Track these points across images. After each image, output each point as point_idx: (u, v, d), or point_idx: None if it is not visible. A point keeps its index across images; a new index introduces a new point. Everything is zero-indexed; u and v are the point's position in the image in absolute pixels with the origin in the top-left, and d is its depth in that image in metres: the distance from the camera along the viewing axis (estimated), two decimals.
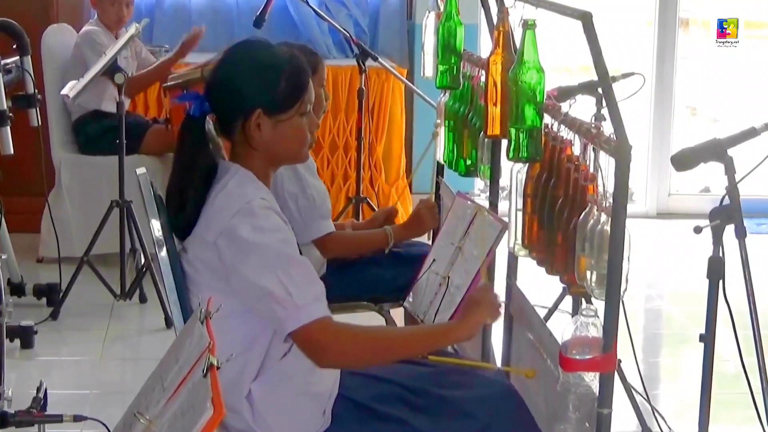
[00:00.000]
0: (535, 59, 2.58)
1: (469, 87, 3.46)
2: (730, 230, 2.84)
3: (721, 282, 2.86)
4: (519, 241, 2.89)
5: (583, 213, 2.48)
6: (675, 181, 6.96)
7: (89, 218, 5.22)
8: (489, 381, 2.74)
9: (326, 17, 5.50)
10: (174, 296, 2.52)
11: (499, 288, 3.27)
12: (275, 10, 5.92)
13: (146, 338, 4.85)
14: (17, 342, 4.50)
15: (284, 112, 2.53)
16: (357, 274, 3.62)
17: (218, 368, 1.63)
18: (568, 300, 4.07)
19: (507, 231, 2.95)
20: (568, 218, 2.60)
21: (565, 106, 2.73)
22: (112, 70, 4.89)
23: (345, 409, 2.58)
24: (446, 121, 3.60)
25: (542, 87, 2.59)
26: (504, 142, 2.85)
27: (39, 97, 4.76)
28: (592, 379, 2.46)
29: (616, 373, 2.48)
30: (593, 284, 2.47)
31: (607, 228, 2.39)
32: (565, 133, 2.68)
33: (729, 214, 2.82)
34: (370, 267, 3.62)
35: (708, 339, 2.89)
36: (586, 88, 3.70)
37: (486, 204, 3.29)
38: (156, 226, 2.56)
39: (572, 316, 3.44)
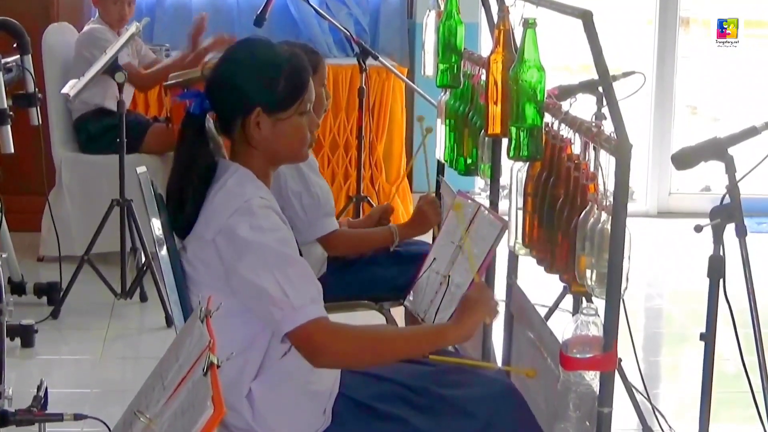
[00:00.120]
0: (536, 58, 2.58)
1: (469, 86, 3.46)
2: (730, 229, 2.84)
3: (721, 281, 2.86)
4: (519, 239, 2.89)
5: (584, 212, 2.49)
6: (675, 180, 6.96)
7: (90, 217, 5.22)
8: (489, 380, 2.73)
9: (327, 16, 5.50)
10: (174, 295, 2.52)
11: (500, 287, 3.27)
12: (276, 9, 5.93)
13: (147, 337, 4.85)
14: (18, 341, 4.50)
15: (284, 110, 2.53)
16: (357, 272, 3.62)
17: (218, 367, 1.63)
18: (568, 299, 4.08)
19: (507, 230, 2.95)
20: (568, 217, 2.60)
21: (565, 105, 2.73)
22: (113, 68, 4.90)
23: (345, 408, 2.58)
24: (447, 120, 3.60)
25: (543, 86, 2.59)
26: (504, 141, 2.86)
27: (39, 96, 4.76)
28: (592, 378, 2.46)
29: (616, 372, 2.48)
30: (594, 283, 2.47)
31: (608, 227, 2.39)
32: (566, 132, 2.68)
33: (729, 213, 2.82)
34: (370, 266, 3.63)
35: (708, 338, 2.89)
36: (587, 86, 3.70)
37: (486, 203, 3.29)
38: (156, 224, 2.56)
39: (573, 315, 3.45)
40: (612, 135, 2.41)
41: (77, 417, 3.42)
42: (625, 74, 3.83)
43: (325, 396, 2.56)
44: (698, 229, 2.83)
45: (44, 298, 5.03)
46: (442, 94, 3.67)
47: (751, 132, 2.95)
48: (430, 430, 2.56)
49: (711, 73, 7.56)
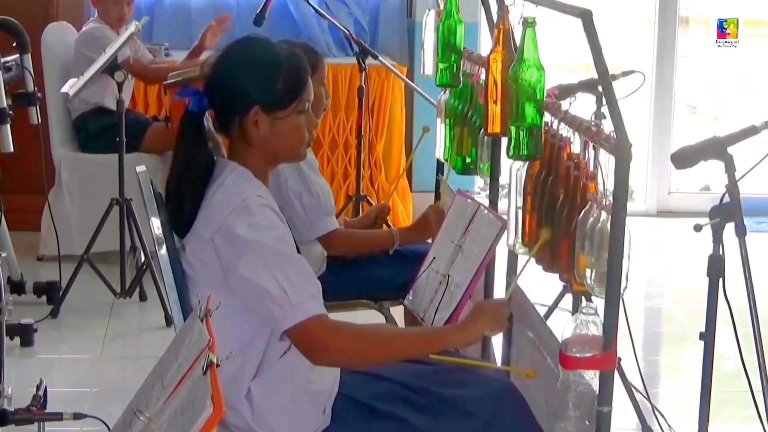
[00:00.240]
0: (535, 57, 2.58)
1: (469, 85, 3.45)
2: (730, 228, 2.84)
3: (721, 280, 2.86)
4: (519, 239, 2.89)
5: (583, 211, 2.48)
6: (675, 179, 6.96)
7: (89, 216, 5.22)
8: (489, 379, 2.73)
9: (326, 15, 5.50)
10: (174, 294, 2.52)
11: (499, 286, 3.27)
12: (275, 9, 5.92)
13: (146, 336, 4.85)
14: (17, 340, 4.50)
15: (282, 109, 2.53)
16: (357, 271, 3.62)
17: (218, 366, 1.63)
18: (568, 298, 4.07)
19: (507, 229, 2.94)
20: (568, 216, 2.60)
21: (565, 104, 2.73)
22: (112, 67, 4.90)
23: (345, 407, 2.57)
24: (446, 120, 3.60)
25: (542, 85, 2.59)
26: (504, 140, 2.85)
27: (39, 95, 4.75)
28: (592, 377, 2.46)
29: (616, 372, 2.47)
30: (593, 282, 2.47)
31: (607, 226, 2.39)
32: (565, 131, 2.68)
33: (729, 212, 2.82)
34: (370, 265, 3.63)
35: (708, 337, 2.89)
36: (586, 86, 3.70)
37: (486, 202, 3.29)
38: (156, 223, 2.56)
39: (572, 314, 3.44)
40: (611, 134, 2.41)
41: (77, 416, 3.41)
42: (625, 73, 3.83)
43: (324, 395, 2.56)
44: (698, 228, 2.83)
45: (44, 298, 5.03)
46: (442, 93, 3.67)
47: (751, 131, 2.95)
48: (430, 430, 2.56)
49: (710, 73, 7.55)
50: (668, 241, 6.41)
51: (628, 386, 3.60)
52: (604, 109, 2.63)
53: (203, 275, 2.50)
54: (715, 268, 2.85)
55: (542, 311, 4.02)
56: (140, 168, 2.69)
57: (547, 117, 2.72)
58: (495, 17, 2.90)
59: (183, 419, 1.59)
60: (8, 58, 4.69)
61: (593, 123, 2.56)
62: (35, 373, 4.08)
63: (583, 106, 3.06)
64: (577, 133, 2.61)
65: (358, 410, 2.58)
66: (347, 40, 6.14)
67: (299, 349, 2.42)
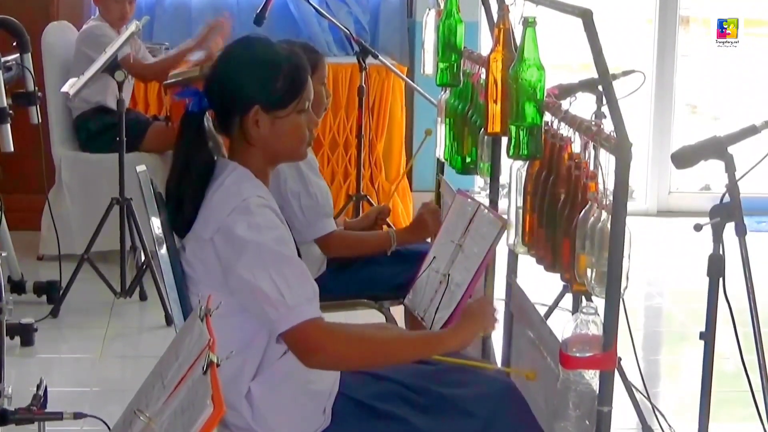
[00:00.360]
0: (536, 57, 2.58)
1: (469, 84, 3.45)
2: (730, 228, 2.84)
3: (721, 280, 2.86)
4: (519, 238, 2.89)
5: (584, 211, 2.48)
6: (675, 178, 6.96)
7: (89, 216, 5.22)
8: (489, 379, 2.73)
9: (327, 15, 5.50)
10: (174, 294, 2.52)
11: (500, 286, 3.27)
12: (276, 8, 5.92)
13: (146, 336, 4.85)
14: (17, 339, 4.50)
15: (282, 108, 2.53)
16: (357, 271, 3.62)
17: (218, 365, 1.63)
18: (568, 298, 4.08)
19: (507, 229, 2.94)
20: (568, 216, 2.60)
21: (565, 104, 2.73)
22: (112, 66, 4.90)
23: (345, 407, 2.57)
24: (446, 119, 3.60)
25: (542, 84, 2.59)
26: (504, 140, 2.85)
27: (39, 94, 4.76)
28: (592, 376, 2.46)
29: (616, 371, 2.47)
30: (593, 282, 2.47)
31: (608, 226, 2.39)
32: (566, 130, 2.68)
33: (729, 211, 2.82)
34: (370, 264, 3.62)
35: (708, 337, 2.89)
36: (587, 85, 3.71)
37: (486, 202, 3.29)
38: (156, 223, 2.56)
39: (572, 314, 3.44)
40: (612, 134, 2.41)
41: (77, 416, 3.41)
42: (625, 73, 3.83)
43: (324, 395, 2.56)
44: (698, 228, 2.83)
45: (44, 297, 5.03)
46: (442, 92, 3.67)
47: (751, 131, 2.95)
48: (430, 430, 2.55)
49: (711, 72, 7.55)
50: (668, 240, 6.41)
51: (629, 386, 3.60)
52: (605, 109, 2.63)
53: (203, 275, 2.50)
54: (716, 267, 2.85)
55: (542, 311, 4.02)
56: (140, 167, 2.69)
57: (548, 117, 2.72)
58: (495, 17, 2.91)
59: (183, 419, 1.59)
60: (8, 58, 4.69)
61: (593, 122, 2.56)
62: (35, 372, 4.08)
63: (583, 105, 3.06)
64: (577, 133, 2.61)
65: (359, 410, 2.57)
66: (347, 39, 6.14)
67: (293, 352, 2.41)
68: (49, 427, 3.46)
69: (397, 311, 3.66)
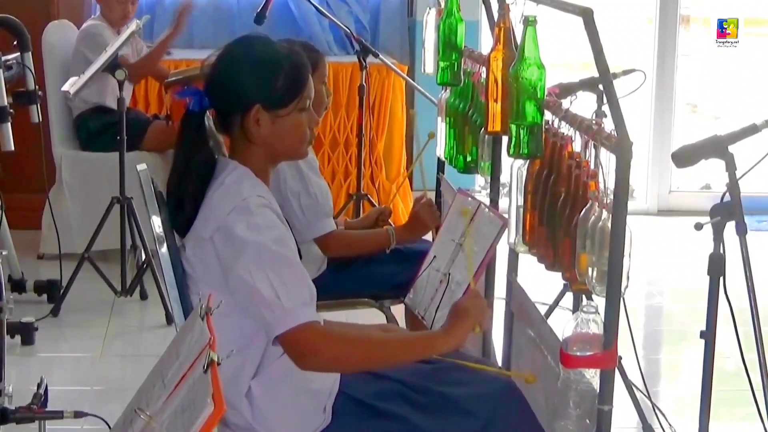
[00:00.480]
0: (536, 56, 2.57)
1: (469, 84, 3.45)
2: (730, 227, 2.84)
3: (721, 279, 2.86)
4: (520, 237, 2.89)
5: (584, 210, 2.48)
6: (676, 177, 6.96)
7: (90, 215, 5.22)
8: (490, 378, 2.73)
9: (327, 14, 5.50)
10: (175, 293, 2.52)
11: (500, 285, 3.27)
12: (276, 7, 5.93)
13: (147, 335, 4.85)
14: (18, 338, 4.50)
15: (283, 107, 2.53)
16: (358, 270, 3.61)
17: (218, 364, 1.63)
18: (568, 297, 4.08)
19: (507, 227, 2.94)
20: (569, 215, 2.60)
21: (565, 103, 2.73)
22: (113, 66, 4.90)
23: (345, 406, 2.57)
24: (447, 118, 3.60)
25: (543, 83, 2.59)
26: (505, 139, 2.85)
27: (40, 93, 4.76)
28: (592, 375, 2.46)
29: (616, 370, 2.47)
30: (594, 281, 2.47)
31: (608, 225, 2.39)
32: (566, 129, 2.68)
33: (730, 211, 2.82)
34: (370, 264, 3.62)
35: (708, 336, 2.89)
36: (587, 84, 3.71)
37: (487, 201, 3.29)
38: (156, 222, 2.56)
39: (573, 313, 3.44)
40: (612, 133, 2.41)
41: (77, 414, 3.41)
42: (626, 72, 3.84)
43: (325, 394, 2.56)
44: (698, 227, 2.82)
45: (44, 296, 5.03)
46: (443, 91, 3.67)
47: (752, 130, 2.95)
48: (431, 429, 2.55)
49: (711, 71, 7.55)
50: (669, 239, 6.41)
51: (629, 385, 3.60)
52: (605, 108, 2.63)
53: (203, 274, 2.50)
54: (716, 266, 2.85)
55: (543, 310, 4.02)
56: (141, 166, 2.69)
57: (548, 115, 2.72)
58: (496, 16, 2.91)
59: (184, 418, 1.59)
60: (9, 57, 4.69)
61: (594, 121, 2.56)
62: (36, 371, 4.09)
63: (583, 104, 3.07)
64: (577, 132, 2.62)
65: (359, 409, 2.57)
66: (348, 38, 6.13)
67: (288, 355, 2.40)
68: (49, 426, 3.46)
69: (398, 310, 3.66)
